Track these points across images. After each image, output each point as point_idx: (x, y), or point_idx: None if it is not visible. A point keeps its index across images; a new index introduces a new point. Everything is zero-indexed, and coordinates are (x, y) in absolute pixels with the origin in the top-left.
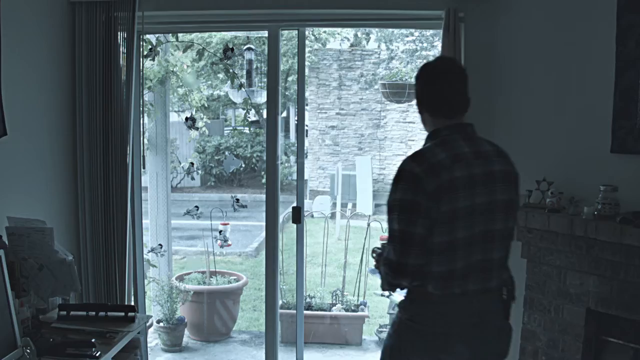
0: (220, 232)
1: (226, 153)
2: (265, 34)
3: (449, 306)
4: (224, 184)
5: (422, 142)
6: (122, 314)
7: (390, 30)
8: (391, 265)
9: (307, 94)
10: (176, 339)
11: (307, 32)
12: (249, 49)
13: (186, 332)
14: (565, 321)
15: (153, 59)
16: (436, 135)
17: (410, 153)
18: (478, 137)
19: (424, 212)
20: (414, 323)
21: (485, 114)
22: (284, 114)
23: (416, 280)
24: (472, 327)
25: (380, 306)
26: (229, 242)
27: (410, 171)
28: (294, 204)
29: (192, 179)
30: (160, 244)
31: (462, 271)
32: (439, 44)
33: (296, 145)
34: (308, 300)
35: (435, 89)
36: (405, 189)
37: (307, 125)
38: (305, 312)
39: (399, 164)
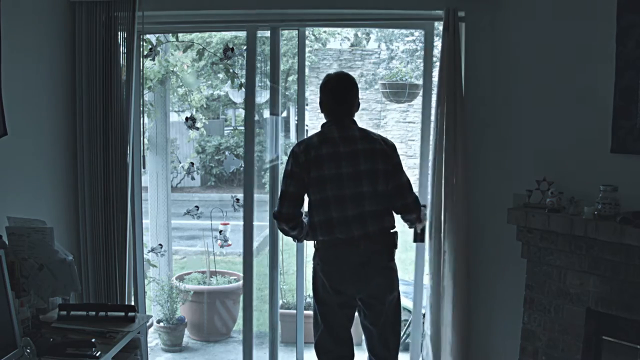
0: (220, 232)
1: (226, 153)
2: (266, 33)
3: (340, 249)
4: (224, 184)
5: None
6: (122, 314)
7: (391, 30)
8: (274, 213)
9: (307, 94)
10: (176, 339)
11: (307, 32)
12: None
13: (186, 332)
14: (565, 321)
15: (153, 59)
16: (321, 127)
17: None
18: (352, 127)
19: (296, 178)
20: (319, 265)
21: (485, 113)
22: (284, 114)
23: (296, 229)
24: (361, 265)
25: None
26: (229, 242)
27: (293, 151)
28: None
29: (192, 179)
30: (160, 244)
31: (339, 220)
32: (439, 44)
33: None
34: (308, 300)
35: (324, 96)
36: (289, 162)
37: (307, 125)
38: (305, 312)
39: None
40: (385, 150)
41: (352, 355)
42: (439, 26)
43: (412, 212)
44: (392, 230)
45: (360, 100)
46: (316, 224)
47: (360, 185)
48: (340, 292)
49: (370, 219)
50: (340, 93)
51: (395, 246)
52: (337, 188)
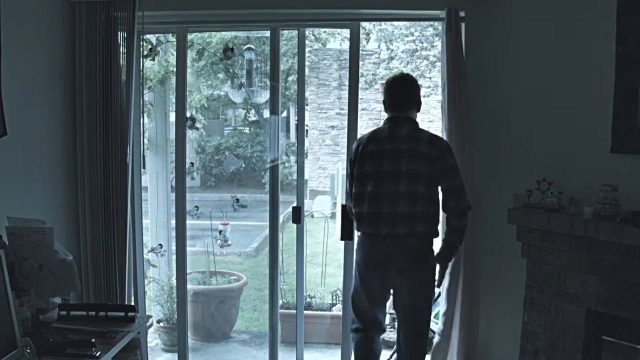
0: (220, 232)
1: (226, 153)
2: (265, 33)
3: (369, 243)
4: (224, 184)
5: None
6: (122, 314)
7: (391, 30)
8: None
9: (307, 94)
10: (176, 339)
11: (307, 32)
12: (249, 49)
13: None
14: (565, 321)
15: (153, 59)
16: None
17: None
18: (406, 126)
19: (349, 174)
20: (356, 255)
21: (485, 113)
22: (284, 114)
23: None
24: (385, 261)
25: None
26: (229, 242)
27: (352, 147)
28: (294, 204)
29: (192, 179)
30: (160, 244)
31: (369, 215)
32: (439, 44)
33: (296, 145)
34: (308, 300)
35: (386, 95)
36: (348, 159)
37: (307, 125)
38: (305, 312)
39: None
40: (429, 153)
41: (381, 325)
42: (439, 26)
43: (458, 216)
44: (425, 235)
45: (420, 100)
46: (354, 215)
47: (398, 185)
48: (370, 277)
49: (401, 220)
50: (395, 92)
51: (425, 251)
52: (376, 185)
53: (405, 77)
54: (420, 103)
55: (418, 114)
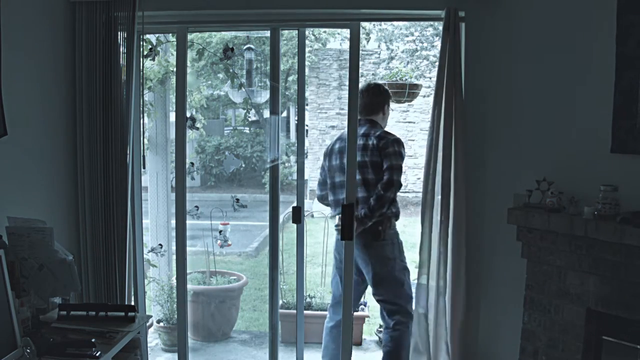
0: (220, 232)
1: (226, 153)
2: (265, 33)
3: None
4: (224, 184)
5: (421, 141)
6: (122, 314)
7: (391, 30)
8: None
9: (307, 94)
10: (176, 339)
11: (307, 32)
12: (249, 49)
13: None
14: (565, 321)
15: (153, 59)
16: None
17: (405, 152)
18: (364, 126)
19: None
20: None
21: (485, 113)
22: (284, 114)
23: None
24: (355, 238)
25: None
26: (229, 242)
27: None
28: (294, 204)
29: (192, 179)
30: (160, 244)
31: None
32: (439, 44)
33: (296, 145)
34: (308, 300)
35: (359, 101)
36: None
37: (307, 125)
38: (305, 312)
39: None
40: (376, 145)
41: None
42: (439, 26)
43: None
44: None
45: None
46: None
47: (341, 176)
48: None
49: (360, 204)
50: (365, 99)
51: (381, 229)
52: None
53: (372, 88)
54: (384, 107)
55: (386, 115)
